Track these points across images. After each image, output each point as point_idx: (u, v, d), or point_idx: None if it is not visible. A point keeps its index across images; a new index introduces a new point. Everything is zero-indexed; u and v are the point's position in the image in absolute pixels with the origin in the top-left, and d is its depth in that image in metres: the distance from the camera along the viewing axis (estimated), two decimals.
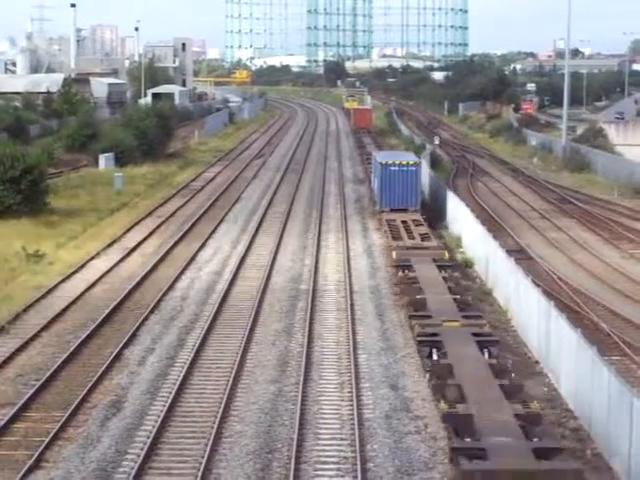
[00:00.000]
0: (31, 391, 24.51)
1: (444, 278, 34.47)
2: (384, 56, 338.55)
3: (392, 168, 49.16)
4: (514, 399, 22.15)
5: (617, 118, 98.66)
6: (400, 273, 36.23)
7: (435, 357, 26.11)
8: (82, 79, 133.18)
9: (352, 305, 33.24)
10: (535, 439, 20.02)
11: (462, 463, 18.89)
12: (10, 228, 46.24)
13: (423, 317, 29.32)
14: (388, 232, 44.24)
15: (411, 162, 49.79)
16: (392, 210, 48.60)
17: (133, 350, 28.39)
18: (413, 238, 42.51)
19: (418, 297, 31.79)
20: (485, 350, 26.00)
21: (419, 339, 27.43)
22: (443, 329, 27.72)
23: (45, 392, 24.79)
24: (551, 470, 18.49)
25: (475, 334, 27.19)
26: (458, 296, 31.78)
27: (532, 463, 18.71)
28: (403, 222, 46.00)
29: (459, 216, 45.96)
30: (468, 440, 19.99)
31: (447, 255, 39.26)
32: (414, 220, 46.38)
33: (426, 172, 60.17)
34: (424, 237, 42.69)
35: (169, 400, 23.85)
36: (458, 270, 37.33)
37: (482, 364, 24.68)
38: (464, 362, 24.61)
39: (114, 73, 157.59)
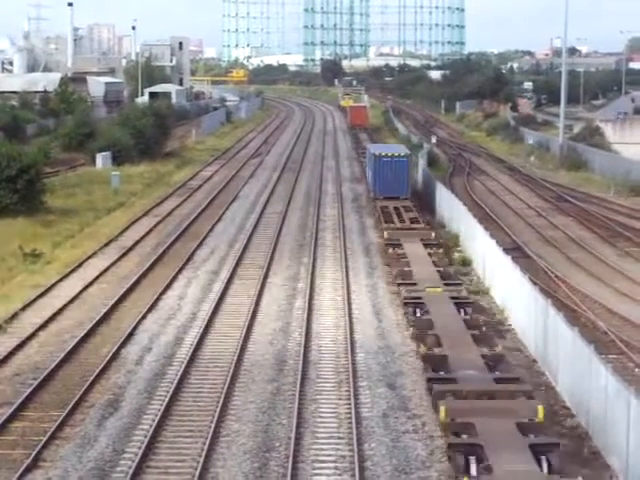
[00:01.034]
0: (28, 390, 24.50)
1: (429, 254, 38.71)
2: (381, 55, 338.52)
3: (384, 159, 52.73)
4: (482, 344, 26.25)
5: (619, 116, 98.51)
6: (390, 250, 40.13)
7: (418, 314, 30.06)
8: (79, 78, 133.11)
9: (350, 304, 33.26)
10: (497, 372, 24.20)
11: (435, 386, 22.82)
12: (7, 227, 46.21)
13: (409, 284, 33.45)
14: (381, 216, 48.19)
15: (402, 154, 53.38)
16: (385, 198, 51.94)
17: (130, 349, 28.39)
18: (403, 221, 46.73)
19: (406, 269, 35.98)
20: (461, 310, 30.04)
21: (405, 301, 31.58)
22: (426, 294, 31.83)
23: (42, 391, 24.79)
24: (506, 390, 22.48)
25: (453, 297, 31.35)
26: (441, 268, 36.06)
27: (491, 386, 22.91)
28: (395, 208, 49.65)
29: (456, 215, 46.02)
30: (441, 373, 24.13)
31: (433, 235, 42.68)
32: (405, 206, 50.06)
33: (421, 168, 62.77)
34: (413, 220, 46.67)
35: (166, 399, 23.87)
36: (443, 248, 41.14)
37: (457, 320, 28.79)
38: (442, 318, 28.79)
39: (111, 72, 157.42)
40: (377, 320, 31.55)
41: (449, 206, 48.67)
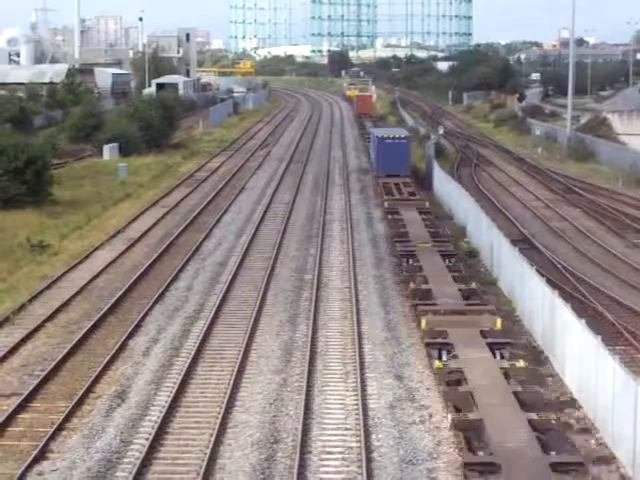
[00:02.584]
0: (36, 381, 24.55)
1: (423, 219, 44.65)
2: (388, 46, 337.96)
3: (387, 141, 57.96)
4: (461, 283, 32.37)
5: None
6: (390, 216, 46.12)
7: (410, 262, 35.93)
8: (86, 69, 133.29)
9: (356, 294, 33.24)
10: (469, 300, 30.57)
11: (419, 307, 29.51)
12: (14, 219, 46.27)
13: (404, 242, 39.51)
14: (382, 191, 53.45)
15: (402, 136, 58.94)
16: (387, 176, 56.88)
17: (138, 340, 28.42)
18: (402, 194, 52.25)
19: (401, 230, 41.97)
20: (446, 259, 36.07)
21: (400, 254, 37.72)
22: (418, 248, 37.87)
23: (50, 382, 24.83)
24: (473, 309, 29.19)
25: (440, 251, 37.38)
26: (432, 229, 42.04)
27: (462, 307, 29.49)
28: (395, 184, 54.61)
29: (463, 206, 45.97)
30: (427, 301, 30.29)
31: (427, 204, 48.31)
32: (404, 183, 55.12)
33: (427, 158, 64.59)
34: (411, 193, 52.22)
35: (174, 390, 23.89)
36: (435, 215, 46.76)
37: (442, 266, 35.15)
38: (430, 265, 35.06)
39: (118, 63, 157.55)
40: (384, 312, 31.56)
41: (457, 197, 48.61)
